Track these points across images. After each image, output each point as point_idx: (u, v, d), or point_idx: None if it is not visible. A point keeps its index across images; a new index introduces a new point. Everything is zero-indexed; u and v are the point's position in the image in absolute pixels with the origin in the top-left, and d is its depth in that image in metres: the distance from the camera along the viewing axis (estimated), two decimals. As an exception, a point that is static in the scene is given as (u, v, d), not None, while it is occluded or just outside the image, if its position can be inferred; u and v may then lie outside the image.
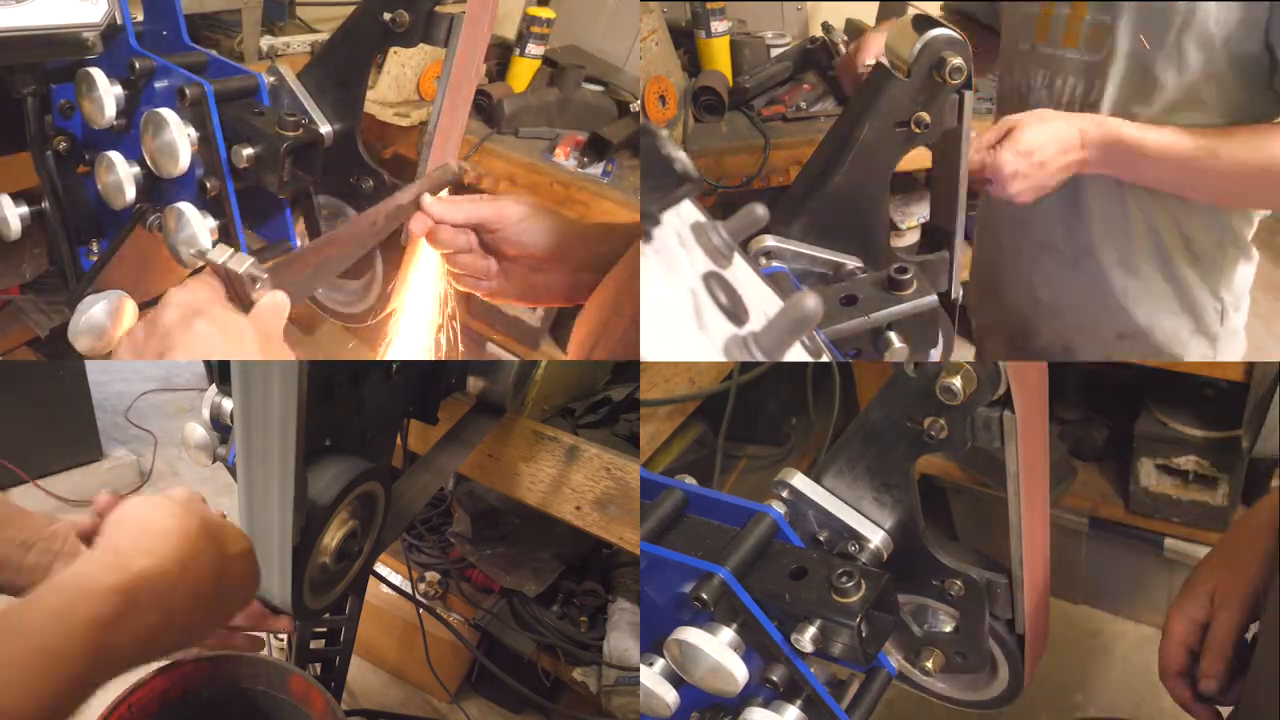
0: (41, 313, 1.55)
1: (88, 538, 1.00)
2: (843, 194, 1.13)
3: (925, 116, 1.09)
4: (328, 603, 1.08)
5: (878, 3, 2.33)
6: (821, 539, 0.92)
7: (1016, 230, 1.51)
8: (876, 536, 0.90)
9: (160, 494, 0.81)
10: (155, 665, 1.11)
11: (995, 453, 0.82)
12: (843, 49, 2.33)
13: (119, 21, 1.04)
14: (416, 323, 1.14)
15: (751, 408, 2.26)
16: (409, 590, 1.88)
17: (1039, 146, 1.18)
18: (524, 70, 2.29)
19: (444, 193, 1.10)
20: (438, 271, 1.11)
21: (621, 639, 1.89)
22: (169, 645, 0.74)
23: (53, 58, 1.04)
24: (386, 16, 1.02)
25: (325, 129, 1.07)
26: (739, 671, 0.79)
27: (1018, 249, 1.51)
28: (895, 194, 1.34)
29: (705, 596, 0.79)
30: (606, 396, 1.79)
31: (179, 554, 0.73)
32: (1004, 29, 1.46)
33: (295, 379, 0.85)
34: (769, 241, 1.12)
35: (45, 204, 1.11)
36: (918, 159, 1.21)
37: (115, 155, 1.04)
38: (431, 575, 2.15)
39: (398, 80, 2.19)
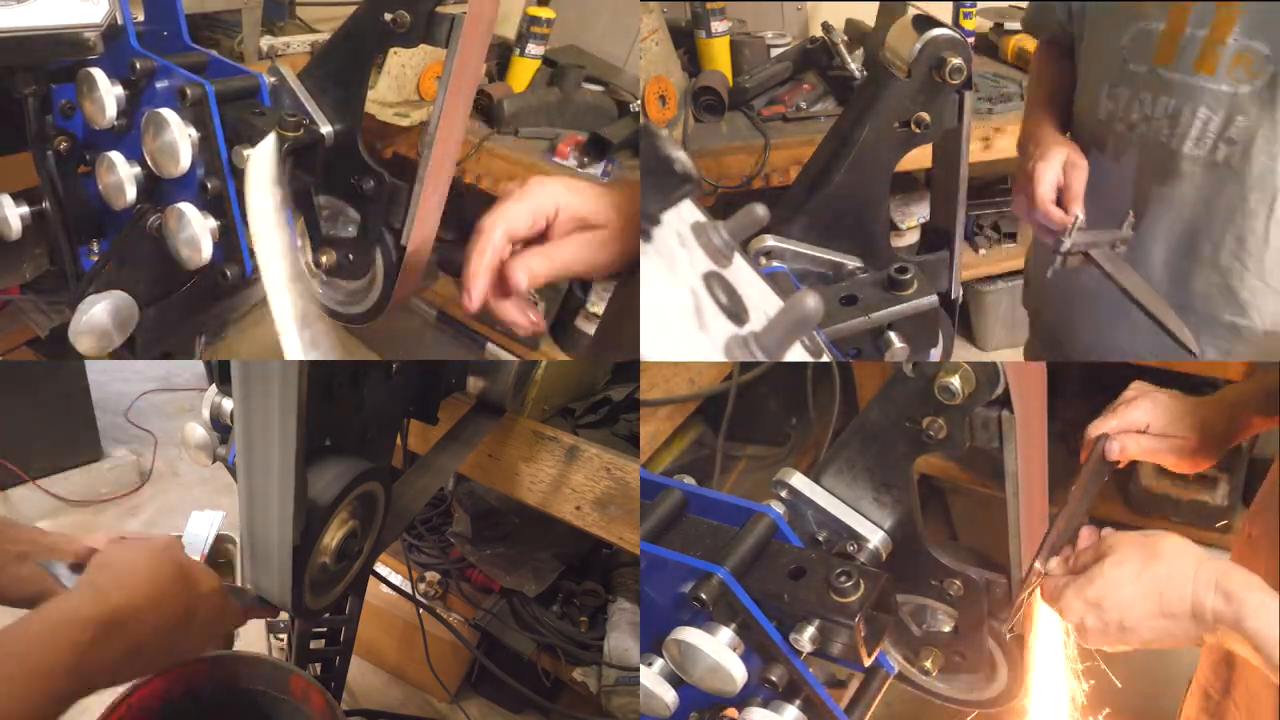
0: (41, 313, 1.55)
1: (79, 563, 1.02)
2: (843, 194, 1.13)
3: (925, 116, 1.09)
4: (328, 603, 1.08)
5: (878, 2, 2.33)
6: (820, 539, 0.92)
7: (1093, 297, 1.38)
8: (875, 536, 0.90)
9: (145, 540, 0.96)
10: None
11: (995, 453, 0.82)
12: (844, 49, 2.33)
13: (120, 22, 1.04)
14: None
15: (751, 408, 2.26)
16: (409, 590, 1.88)
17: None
18: (524, 70, 2.29)
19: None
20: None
21: (621, 639, 1.89)
22: (139, 670, 0.88)
23: (53, 58, 1.04)
24: (387, 17, 1.02)
25: (326, 129, 1.07)
26: (738, 671, 0.79)
27: (1097, 309, 1.41)
28: (895, 194, 1.32)
29: (704, 596, 0.79)
30: (606, 396, 1.79)
31: (150, 593, 0.84)
32: (1093, 45, 1.32)
33: (295, 379, 0.85)
34: (769, 241, 1.12)
35: (46, 204, 1.11)
36: (918, 159, 1.20)
37: (116, 155, 1.04)
38: (431, 575, 2.15)
39: (398, 80, 2.19)
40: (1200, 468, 1.11)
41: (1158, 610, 0.84)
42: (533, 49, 2.28)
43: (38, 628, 0.76)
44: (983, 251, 2.92)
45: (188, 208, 1.02)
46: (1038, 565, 0.92)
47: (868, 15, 2.42)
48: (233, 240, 1.05)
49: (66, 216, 1.12)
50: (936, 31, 1.06)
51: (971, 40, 2.05)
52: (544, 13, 2.26)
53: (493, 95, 2.16)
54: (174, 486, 2.92)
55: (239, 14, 1.99)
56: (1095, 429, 1.09)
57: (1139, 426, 1.08)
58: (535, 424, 1.46)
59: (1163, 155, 1.25)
